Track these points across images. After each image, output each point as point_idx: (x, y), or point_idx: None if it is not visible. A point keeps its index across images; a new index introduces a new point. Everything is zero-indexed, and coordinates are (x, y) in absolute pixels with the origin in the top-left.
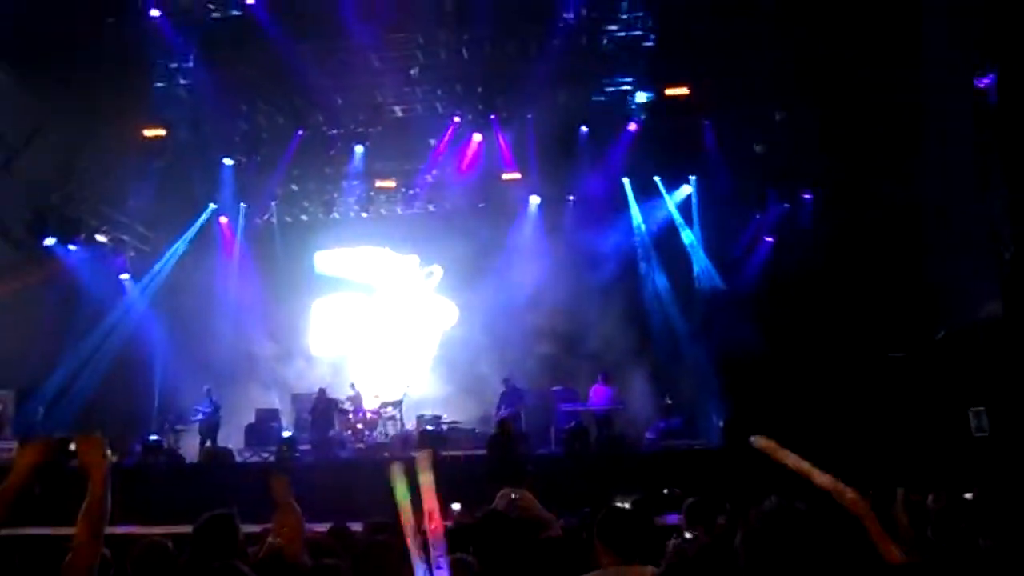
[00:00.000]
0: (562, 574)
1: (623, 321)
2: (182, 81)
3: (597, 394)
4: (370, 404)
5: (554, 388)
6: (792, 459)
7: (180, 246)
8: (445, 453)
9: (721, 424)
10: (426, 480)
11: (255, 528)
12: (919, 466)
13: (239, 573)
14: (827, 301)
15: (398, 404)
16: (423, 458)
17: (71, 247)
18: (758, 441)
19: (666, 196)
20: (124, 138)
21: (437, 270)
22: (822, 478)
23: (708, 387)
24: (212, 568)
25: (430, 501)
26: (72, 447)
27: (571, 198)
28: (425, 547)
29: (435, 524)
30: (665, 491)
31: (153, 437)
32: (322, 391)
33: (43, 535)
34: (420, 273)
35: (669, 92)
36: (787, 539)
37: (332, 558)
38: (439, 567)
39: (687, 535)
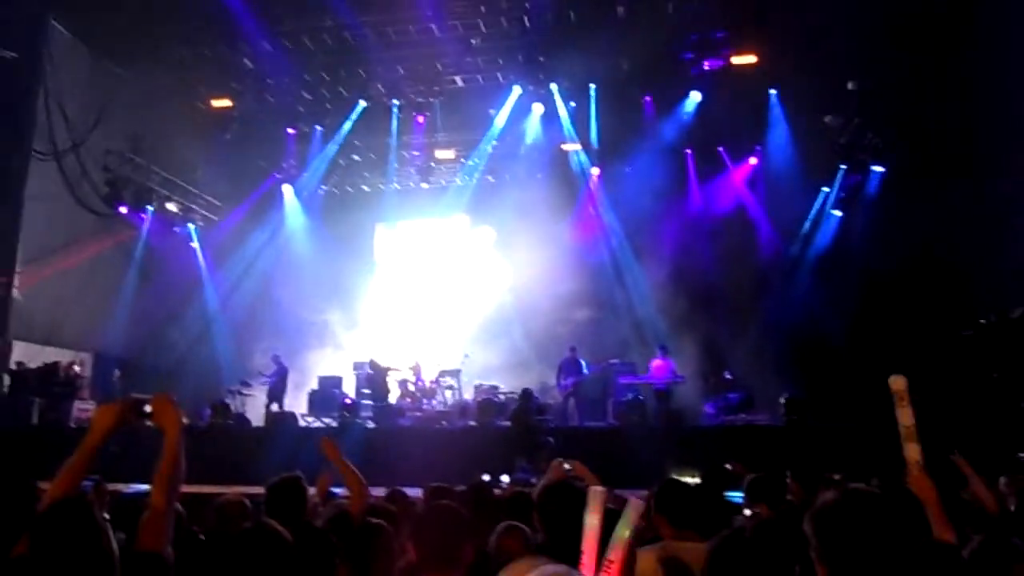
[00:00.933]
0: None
1: (683, 294)
2: (248, 52)
3: (656, 368)
4: (429, 373)
5: (612, 361)
6: (907, 415)
7: (245, 214)
8: (501, 423)
9: (783, 400)
10: (624, 530)
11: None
12: (988, 446)
13: (311, 530)
14: (896, 277)
15: (456, 373)
16: (636, 506)
17: (143, 216)
18: (896, 382)
19: (730, 167)
20: (192, 110)
21: (489, 232)
22: (913, 450)
23: (769, 362)
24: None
25: (619, 552)
26: (147, 408)
27: (628, 169)
28: None
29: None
30: (728, 466)
31: (222, 400)
32: (373, 361)
33: (121, 491)
34: (476, 237)
35: (736, 61)
36: (858, 523)
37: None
38: None
39: (747, 512)
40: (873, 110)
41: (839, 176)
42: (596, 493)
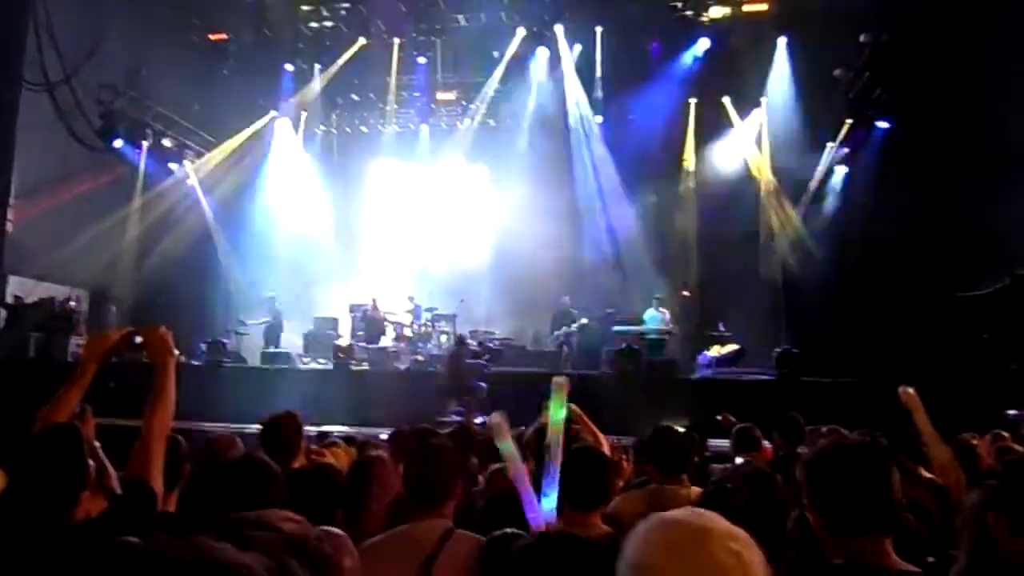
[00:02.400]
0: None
1: (680, 245)
2: None
3: (650, 318)
4: (424, 316)
5: (608, 311)
6: (923, 420)
7: (239, 151)
8: (497, 369)
9: (775, 354)
10: (558, 411)
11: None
12: (980, 408)
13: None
14: (896, 235)
15: (452, 318)
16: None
17: (139, 151)
18: (906, 394)
19: (735, 118)
20: (188, 43)
21: (483, 170)
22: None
23: (764, 316)
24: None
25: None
26: (139, 340)
27: (631, 117)
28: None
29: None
30: (718, 417)
31: (217, 339)
32: (374, 302)
33: (114, 425)
34: (472, 177)
35: (747, 8)
36: (849, 470)
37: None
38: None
39: (738, 460)
40: (883, 65)
41: (844, 131)
42: (496, 423)
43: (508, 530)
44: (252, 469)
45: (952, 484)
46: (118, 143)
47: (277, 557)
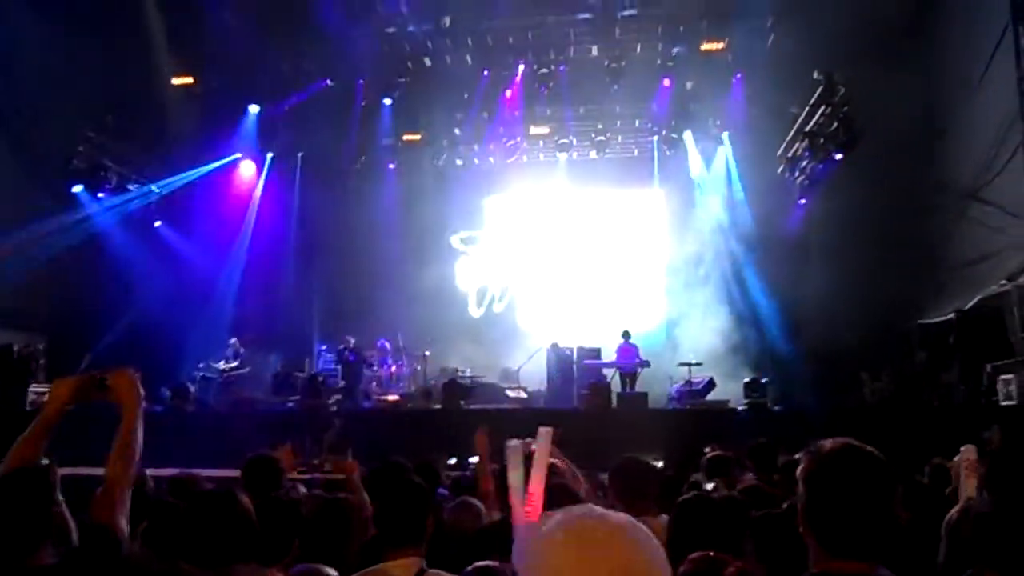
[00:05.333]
0: None
1: (648, 278)
2: (210, 27)
3: (621, 352)
4: (394, 357)
5: (579, 347)
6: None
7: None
8: (470, 407)
9: (744, 383)
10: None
11: None
12: (948, 433)
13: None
14: (854, 265)
15: (423, 358)
16: (544, 434)
17: (100, 195)
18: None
19: (694, 152)
20: (153, 85)
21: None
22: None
23: (732, 346)
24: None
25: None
26: (107, 382)
27: (594, 155)
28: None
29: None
30: (707, 450)
31: (182, 384)
32: (347, 340)
33: (77, 475)
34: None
35: (705, 47)
36: (852, 474)
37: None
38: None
39: (707, 487)
40: (837, 100)
41: (801, 163)
42: (513, 449)
43: (482, 564)
44: (220, 502)
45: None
46: (77, 188)
47: None
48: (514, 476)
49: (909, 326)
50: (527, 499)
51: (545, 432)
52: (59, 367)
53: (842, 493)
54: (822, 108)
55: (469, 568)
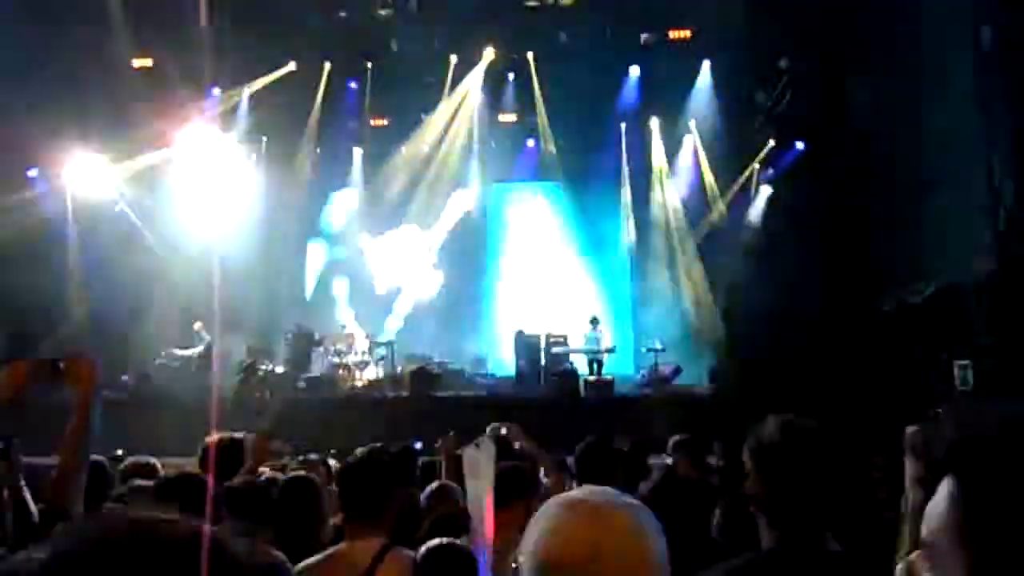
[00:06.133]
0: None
1: (614, 267)
2: (170, 8)
3: (588, 339)
4: (361, 344)
5: (545, 333)
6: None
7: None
8: (438, 394)
9: (709, 369)
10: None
11: None
12: (905, 419)
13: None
14: (819, 253)
15: (390, 344)
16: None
17: (59, 178)
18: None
19: (658, 140)
20: (112, 67)
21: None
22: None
23: (697, 332)
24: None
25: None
26: (61, 366)
27: (560, 142)
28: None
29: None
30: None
31: (144, 371)
32: (298, 325)
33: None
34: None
35: (673, 35)
36: (798, 451)
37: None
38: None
39: (667, 461)
40: (802, 88)
41: (766, 151)
42: (471, 458)
43: (444, 540)
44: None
45: None
46: (33, 172)
47: None
48: (473, 487)
49: (870, 313)
50: (485, 515)
51: (490, 439)
52: (16, 355)
53: (784, 470)
54: (787, 96)
55: (424, 547)
